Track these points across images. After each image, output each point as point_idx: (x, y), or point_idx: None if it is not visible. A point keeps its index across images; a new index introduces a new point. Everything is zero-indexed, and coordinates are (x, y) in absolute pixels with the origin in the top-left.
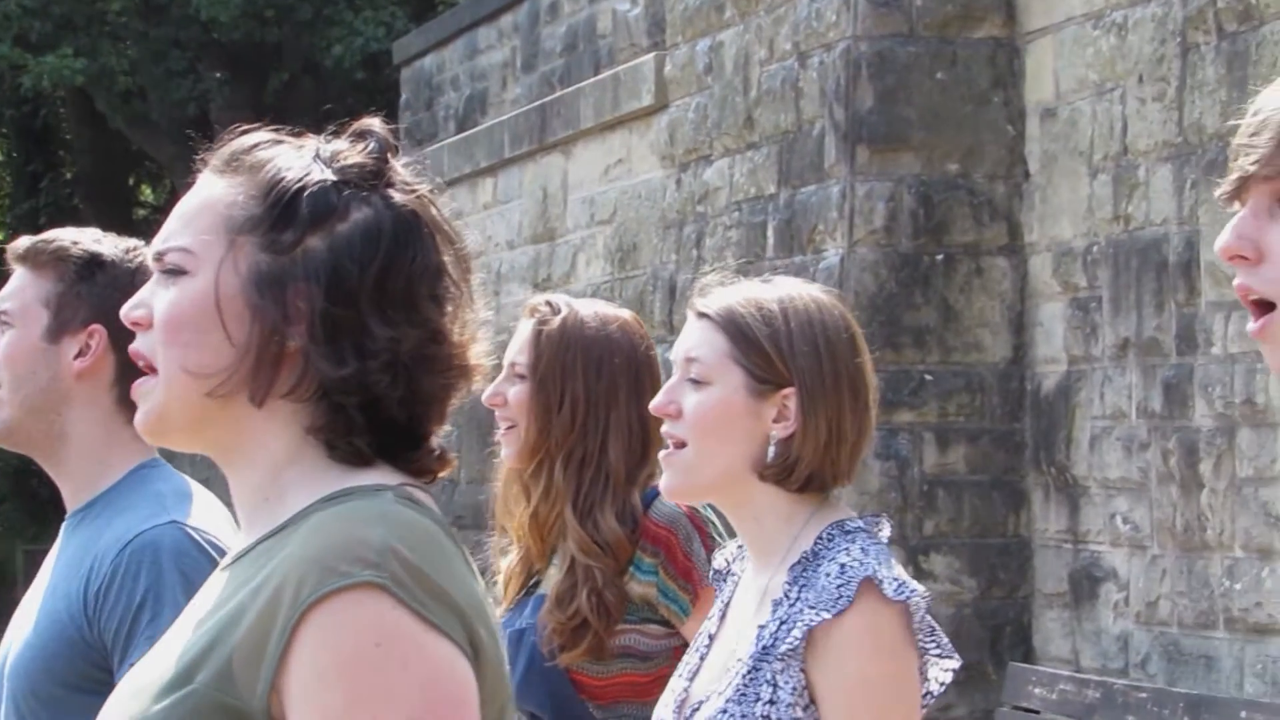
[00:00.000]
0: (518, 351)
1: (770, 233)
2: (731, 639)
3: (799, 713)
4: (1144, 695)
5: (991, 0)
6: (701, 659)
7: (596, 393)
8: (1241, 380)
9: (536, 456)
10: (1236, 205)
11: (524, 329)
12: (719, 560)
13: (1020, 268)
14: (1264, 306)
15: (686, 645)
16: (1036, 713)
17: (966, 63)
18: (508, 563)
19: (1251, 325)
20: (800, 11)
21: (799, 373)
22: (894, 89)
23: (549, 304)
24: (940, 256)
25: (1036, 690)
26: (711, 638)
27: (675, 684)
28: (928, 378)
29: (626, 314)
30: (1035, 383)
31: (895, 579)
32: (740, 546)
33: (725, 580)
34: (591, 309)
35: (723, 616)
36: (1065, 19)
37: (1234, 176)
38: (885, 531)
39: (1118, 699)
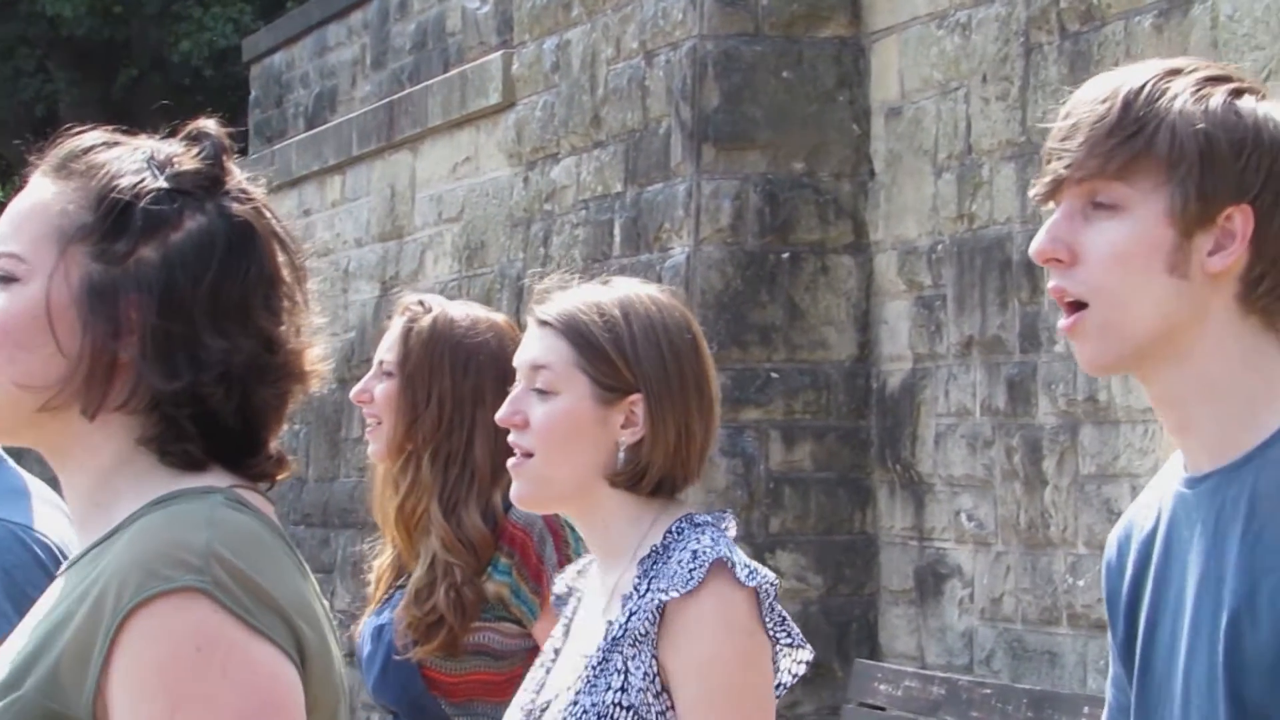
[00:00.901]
0: (386, 349)
1: (617, 231)
2: (579, 645)
3: (650, 698)
4: (988, 691)
5: (837, 0)
6: (547, 672)
7: (463, 391)
8: (1084, 378)
9: (403, 453)
10: (1051, 206)
11: (395, 327)
12: (559, 585)
13: (865, 266)
14: (1078, 306)
15: (539, 648)
16: (882, 709)
17: (812, 62)
18: (380, 561)
19: (1063, 321)
20: (647, 10)
21: (645, 379)
22: (740, 88)
23: (421, 303)
24: (786, 255)
25: (882, 687)
26: (557, 652)
27: (522, 697)
28: (774, 375)
29: (499, 316)
30: (881, 380)
31: (746, 564)
32: (579, 572)
33: (567, 601)
34: (463, 310)
35: (566, 632)
36: (910, 18)
37: (1048, 179)
38: (731, 528)
39: (962, 695)
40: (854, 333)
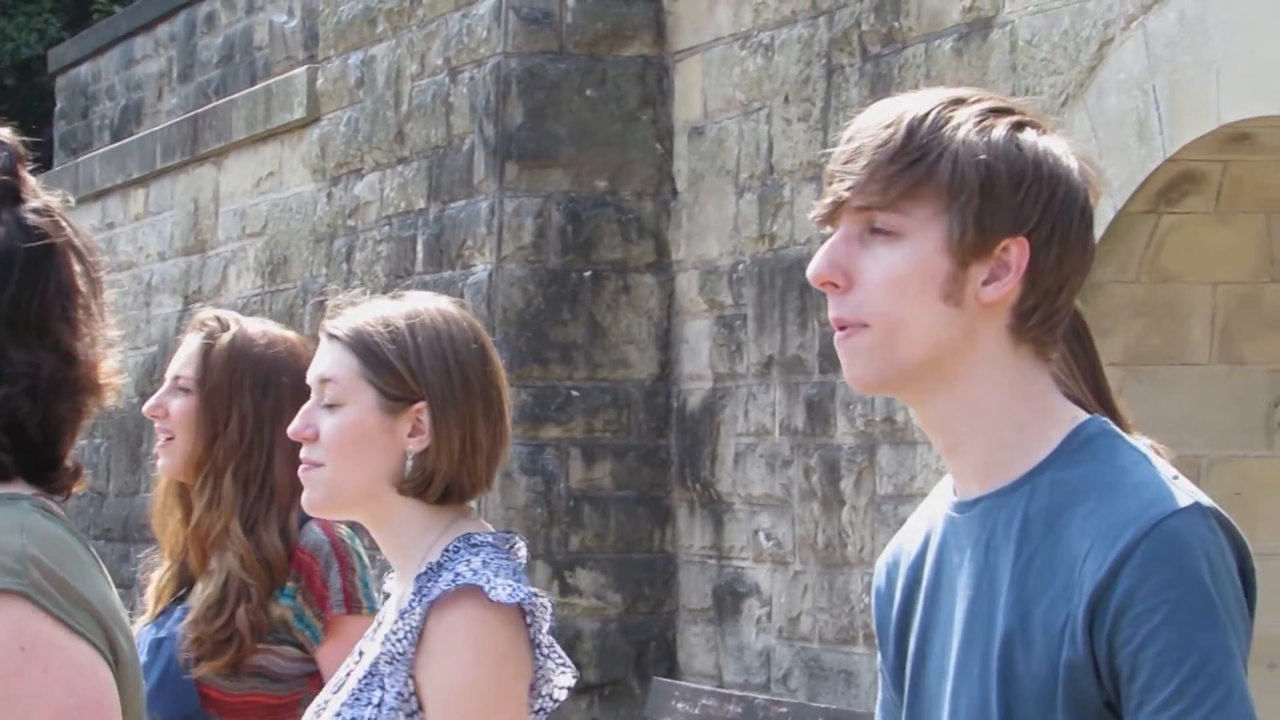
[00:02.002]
0: (182, 365)
1: (420, 247)
2: (371, 651)
3: (401, 718)
4: (785, 710)
5: (641, 19)
6: (349, 674)
7: (263, 411)
8: (882, 399)
9: (201, 470)
10: (830, 230)
11: (190, 343)
12: (388, 584)
13: (667, 285)
14: (853, 327)
15: (318, 672)
16: None
17: (616, 81)
18: (158, 574)
19: (839, 334)
20: (452, 27)
21: (429, 388)
22: (544, 106)
23: (218, 319)
24: (588, 273)
25: (679, 705)
26: (362, 654)
27: (322, 695)
28: (575, 394)
29: (293, 335)
30: (681, 400)
31: (507, 586)
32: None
33: (389, 601)
34: (260, 327)
35: (374, 635)
36: (714, 39)
37: (828, 201)
38: (520, 549)
39: (759, 713)
40: (655, 351)
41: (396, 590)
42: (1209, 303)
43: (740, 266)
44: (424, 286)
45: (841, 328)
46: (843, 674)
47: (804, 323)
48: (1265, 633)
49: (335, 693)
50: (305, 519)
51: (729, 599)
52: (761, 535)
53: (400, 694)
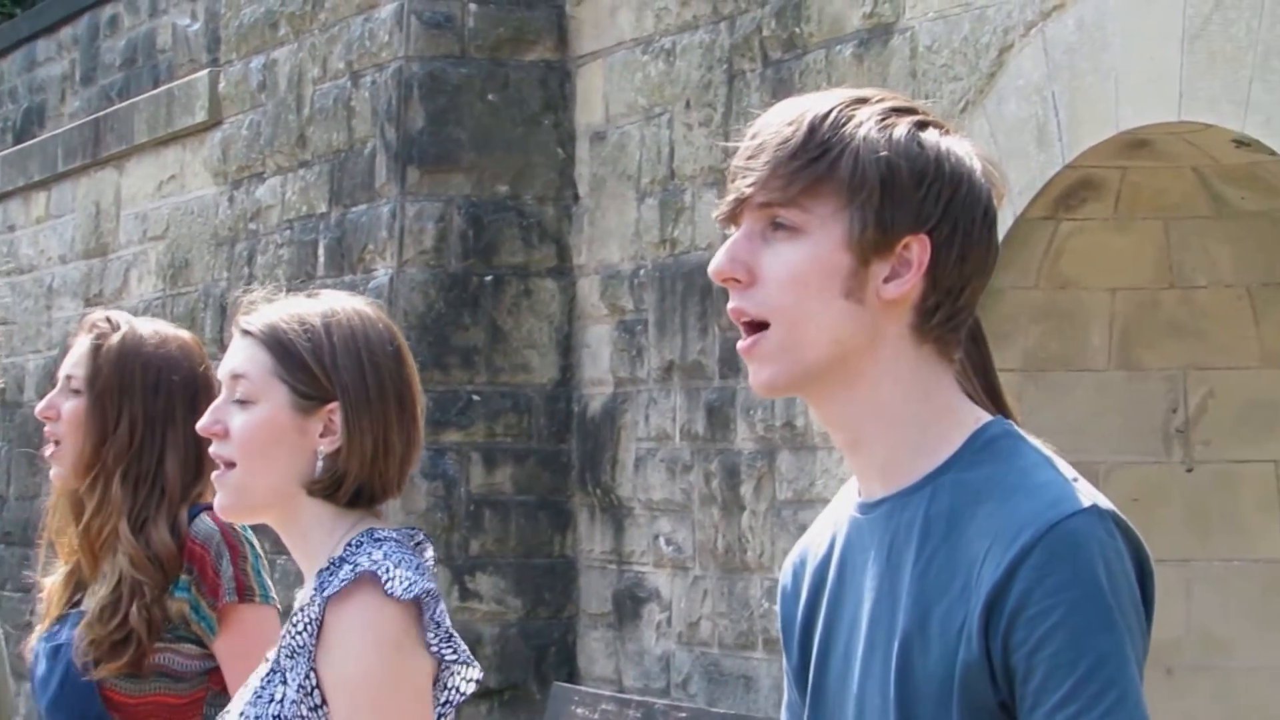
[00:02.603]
0: (73, 365)
1: (321, 251)
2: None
3: (305, 710)
4: (684, 715)
5: (543, 24)
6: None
7: (154, 411)
8: (782, 404)
9: (91, 472)
10: (733, 228)
11: (81, 344)
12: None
13: (568, 290)
14: (756, 326)
15: (219, 668)
16: None
17: (518, 85)
18: (52, 580)
19: (742, 342)
20: (354, 31)
21: (342, 387)
22: (445, 110)
23: (108, 320)
24: (489, 278)
25: (579, 710)
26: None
27: (239, 696)
28: (475, 398)
29: (185, 334)
30: (582, 404)
31: (406, 578)
32: None
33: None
34: (151, 327)
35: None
36: (616, 43)
37: (731, 198)
38: (428, 549)
39: (658, 718)
40: (556, 356)
41: (303, 590)
42: (1107, 309)
43: (641, 271)
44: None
45: (743, 320)
46: (742, 679)
47: (705, 328)
48: (1162, 637)
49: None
50: (196, 511)
51: (629, 604)
52: (662, 540)
53: (302, 687)
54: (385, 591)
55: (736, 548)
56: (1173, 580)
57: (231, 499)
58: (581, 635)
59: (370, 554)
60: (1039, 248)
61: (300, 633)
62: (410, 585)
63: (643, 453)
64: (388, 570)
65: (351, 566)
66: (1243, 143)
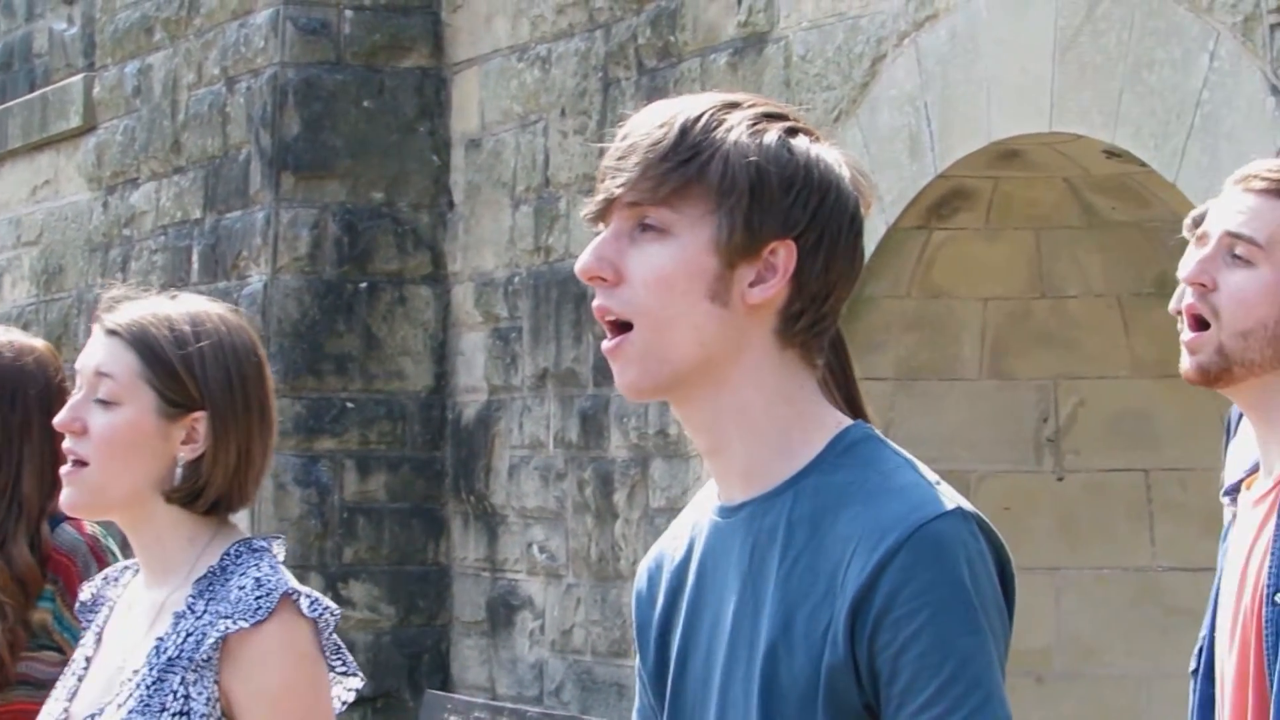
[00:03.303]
0: None
1: (195, 257)
2: (116, 657)
3: None
4: None
5: (419, 31)
6: (80, 680)
7: (11, 425)
8: (655, 412)
9: None
10: (602, 226)
11: None
12: (85, 593)
13: (443, 297)
14: (621, 327)
15: None
16: None
17: (393, 92)
18: None
19: (607, 343)
20: (229, 37)
21: (211, 397)
22: (320, 116)
23: None
24: (364, 285)
25: (452, 718)
26: (89, 660)
27: (53, 706)
28: (350, 405)
29: (41, 344)
30: (456, 412)
31: (309, 595)
32: (107, 580)
33: (95, 609)
34: (6, 338)
35: (99, 640)
36: (491, 51)
37: (600, 198)
38: (281, 552)
39: None
40: (430, 364)
41: (147, 595)
42: (979, 318)
43: (516, 279)
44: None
45: (607, 319)
46: (615, 687)
47: (579, 336)
48: (1033, 645)
49: (70, 700)
50: (56, 521)
51: (502, 611)
52: (535, 548)
53: (208, 699)
54: (298, 609)
55: (609, 555)
56: (1043, 589)
57: (83, 498)
58: (455, 643)
59: (258, 565)
60: (911, 257)
61: (196, 646)
62: (315, 603)
63: (516, 460)
64: (297, 589)
65: (253, 582)
66: (1113, 153)
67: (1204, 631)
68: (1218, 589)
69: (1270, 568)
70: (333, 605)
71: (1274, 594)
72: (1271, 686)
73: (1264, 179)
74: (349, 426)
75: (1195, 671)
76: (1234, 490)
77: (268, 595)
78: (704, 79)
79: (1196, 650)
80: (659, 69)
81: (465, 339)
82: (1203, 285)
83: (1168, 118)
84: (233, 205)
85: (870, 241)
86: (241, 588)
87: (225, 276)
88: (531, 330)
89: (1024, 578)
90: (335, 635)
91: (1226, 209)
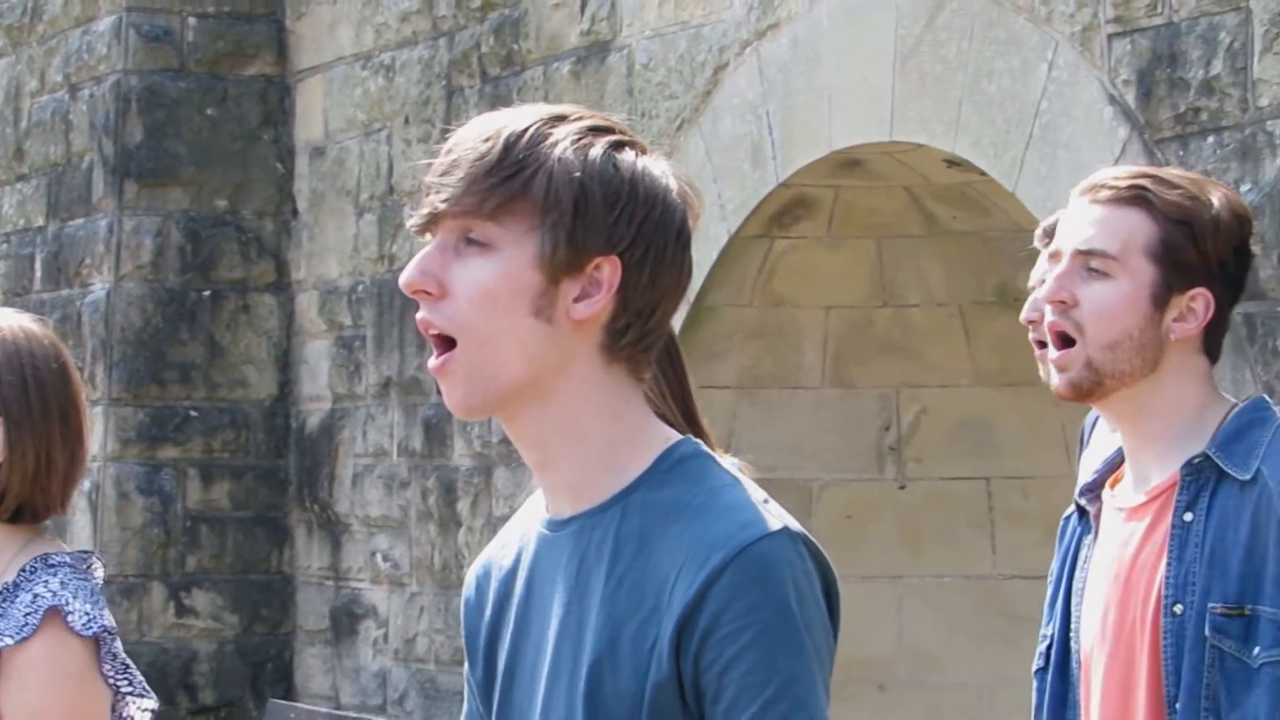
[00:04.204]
0: None
1: (38, 265)
2: None
3: None
4: None
5: (263, 38)
6: None
7: None
8: (498, 421)
9: None
10: (429, 237)
11: None
12: None
13: (287, 305)
14: (445, 341)
15: None
16: None
17: (237, 99)
18: None
19: (433, 361)
20: (72, 43)
21: (5, 403)
22: (164, 124)
23: None
24: (207, 293)
25: None
26: None
27: None
28: (193, 414)
29: None
30: (300, 420)
31: (85, 612)
32: None
33: None
34: None
35: None
36: (335, 59)
37: (425, 211)
38: (99, 570)
39: None
40: (274, 372)
41: None
42: (821, 327)
43: (360, 287)
44: (42, 305)
45: (431, 334)
46: (458, 695)
47: (422, 344)
48: (875, 653)
49: None
50: None
51: (346, 620)
52: (379, 557)
53: None
54: (68, 625)
55: (453, 564)
56: (885, 597)
57: None
58: (298, 652)
59: (47, 582)
60: (753, 266)
61: None
62: (90, 621)
63: (360, 469)
64: (69, 603)
65: (32, 597)
66: (953, 162)
67: (1052, 630)
68: (1068, 589)
69: (1169, 578)
70: (110, 622)
71: (1173, 605)
72: (1172, 694)
73: (1109, 188)
74: (192, 435)
75: (1041, 670)
76: (1091, 489)
77: (35, 611)
78: (547, 87)
79: (1044, 649)
80: (502, 77)
81: (309, 347)
82: (1063, 303)
83: (1007, 127)
84: (76, 213)
85: (712, 250)
86: (22, 604)
87: (68, 284)
88: (375, 338)
89: (866, 586)
90: (122, 655)
91: (1075, 223)
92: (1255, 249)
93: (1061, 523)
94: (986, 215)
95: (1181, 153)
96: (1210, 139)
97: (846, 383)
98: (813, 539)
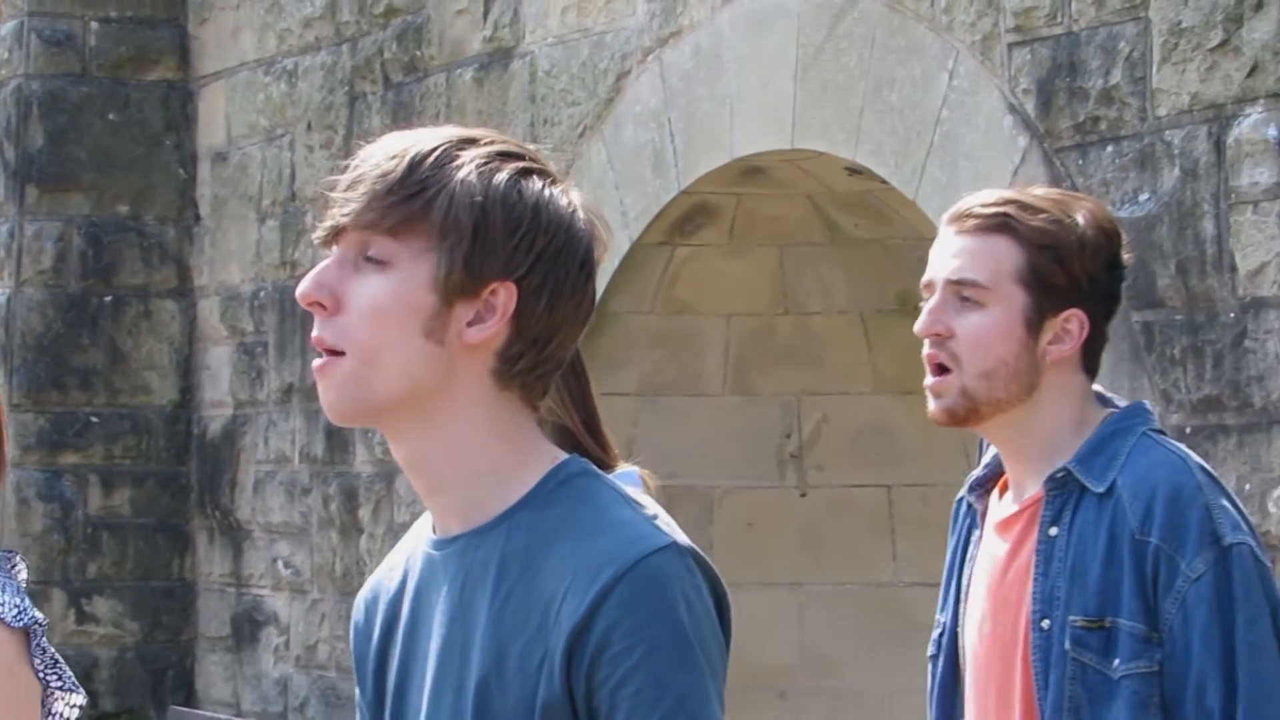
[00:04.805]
0: None
1: None
2: None
3: None
4: None
5: (166, 43)
6: None
7: None
8: None
9: None
10: (333, 248)
11: None
12: None
13: (189, 311)
14: (338, 354)
15: None
16: None
17: (140, 105)
18: None
19: (317, 361)
20: None
21: None
22: (65, 129)
23: None
24: (109, 298)
25: None
26: None
27: None
28: (94, 420)
29: None
30: (202, 426)
31: (15, 605)
32: None
33: None
34: None
35: None
36: (238, 64)
37: (327, 225)
38: (22, 571)
39: None
40: (176, 378)
41: None
42: (723, 334)
43: (262, 293)
44: None
45: (323, 348)
46: None
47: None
48: (775, 660)
49: None
50: None
51: (247, 627)
52: (280, 563)
53: None
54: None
55: (354, 570)
56: (786, 604)
57: None
58: (200, 658)
59: None
60: (655, 273)
61: None
62: (20, 613)
63: (262, 475)
64: None
65: None
66: (855, 170)
67: (944, 618)
68: (958, 581)
69: (1035, 594)
70: (40, 615)
71: (1040, 620)
72: (1043, 708)
73: (975, 217)
74: (93, 441)
75: (935, 656)
76: (979, 485)
77: None
78: (450, 94)
79: (937, 635)
80: (405, 84)
81: (211, 353)
82: (939, 335)
83: (908, 135)
84: None
85: (614, 258)
86: None
87: None
88: (277, 345)
89: (767, 593)
90: (51, 650)
91: (944, 254)
92: (1127, 259)
93: (954, 505)
94: (888, 223)
95: (1081, 162)
96: (1109, 148)
97: (748, 390)
98: (701, 553)
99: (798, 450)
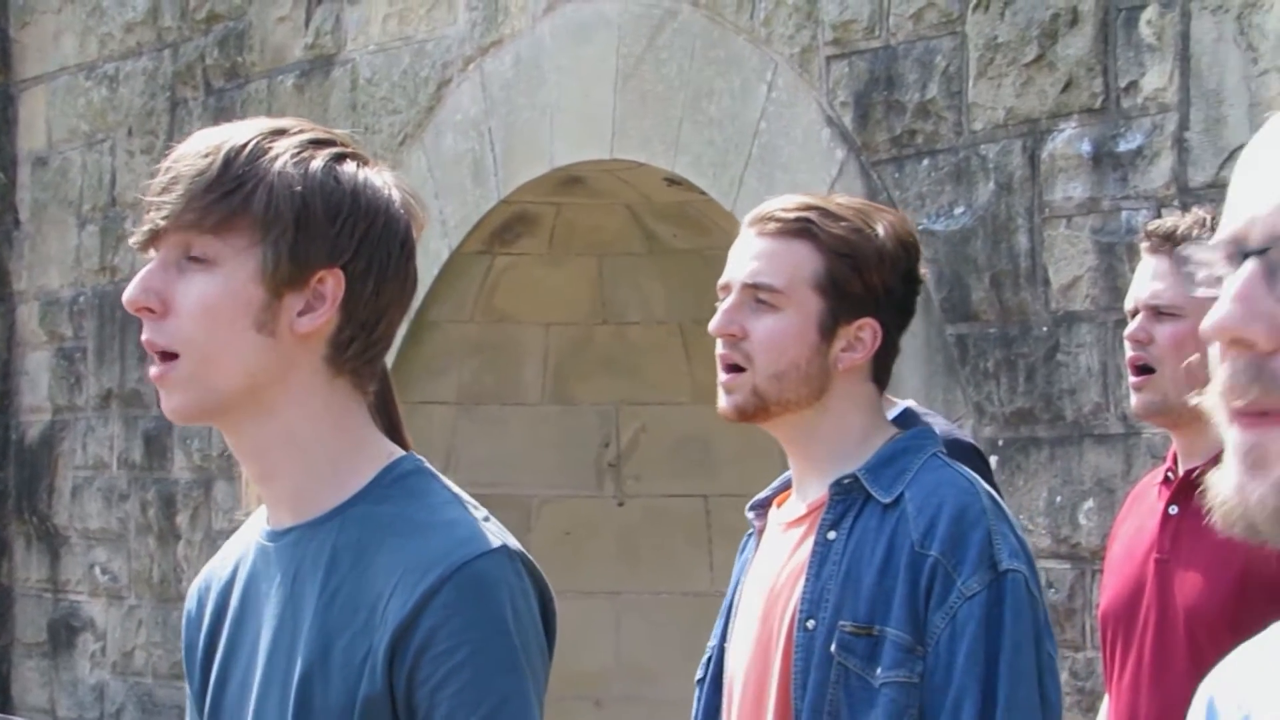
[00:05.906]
0: None
1: None
2: None
3: None
4: None
5: None
6: None
7: None
8: (218, 434)
9: None
10: (153, 253)
11: None
12: None
13: (8, 316)
14: (171, 357)
15: None
16: None
17: None
18: None
19: (154, 369)
20: None
21: None
22: None
23: None
24: None
25: None
26: None
27: None
28: None
29: None
30: (20, 431)
31: None
32: None
33: None
34: None
35: None
36: (59, 68)
37: (146, 228)
38: None
39: None
40: None
41: None
42: (542, 343)
43: (81, 298)
44: None
45: (155, 352)
46: (176, 709)
47: (144, 356)
48: (592, 668)
49: None
50: None
51: (64, 633)
52: (98, 569)
53: None
54: None
55: (172, 577)
56: (603, 612)
57: None
58: (16, 665)
59: None
60: (474, 282)
61: None
62: None
63: (80, 481)
64: None
65: None
66: (673, 181)
67: (714, 641)
68: (731, 601)
69: (805, 594)
70: None
71: (806, 619)
72: (799, 708)
73: (776, 220)
74: None
75: (701, 680)
76: (760, 506)
77: None
78: (271, 100)
79: (705, 659)
80: (226, 89)
81: (29, 358)
82: (733, 335)
83: (726, 147)
84: None
85: (433, 266)
86: None
87: None
88: (96, 350)
89: (584, 601)
90: None
91: (743, 255)
92: (923, 273)
93: (743, 539)
94: (706, 234)
95: (897, 175)
96: (925, 161)
97: (566, 399)
98: (530, 558)
99: (616, 459)
